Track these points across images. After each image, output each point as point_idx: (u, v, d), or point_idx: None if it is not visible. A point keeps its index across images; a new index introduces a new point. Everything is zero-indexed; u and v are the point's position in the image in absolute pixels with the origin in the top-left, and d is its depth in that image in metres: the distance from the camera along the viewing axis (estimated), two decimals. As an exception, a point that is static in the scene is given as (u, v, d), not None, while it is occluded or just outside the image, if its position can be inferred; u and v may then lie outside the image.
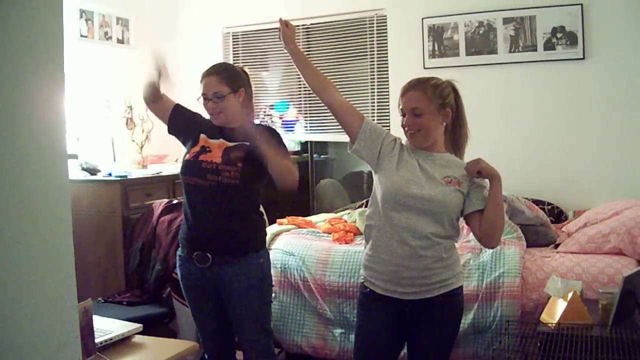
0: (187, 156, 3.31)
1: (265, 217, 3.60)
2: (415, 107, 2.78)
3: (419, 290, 2.75)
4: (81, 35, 5.53)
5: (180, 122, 3.43)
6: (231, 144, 3.27)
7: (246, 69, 3.59)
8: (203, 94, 3.28)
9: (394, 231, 2.77)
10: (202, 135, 3.34)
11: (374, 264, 2.84)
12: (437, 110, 2.81)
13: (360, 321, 2.97)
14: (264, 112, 6.52)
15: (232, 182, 3.18)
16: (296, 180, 3.24)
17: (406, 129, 2.83)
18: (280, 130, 6.33)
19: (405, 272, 2.74)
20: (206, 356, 3.43)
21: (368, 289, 2.86)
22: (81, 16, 5.53)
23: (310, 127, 6.30)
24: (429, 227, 2.74)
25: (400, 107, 2.85)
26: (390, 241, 2.77)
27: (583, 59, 5.03)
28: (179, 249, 3.40)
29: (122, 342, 2.66)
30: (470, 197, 2.82)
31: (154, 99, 3.50)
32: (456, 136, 2.96)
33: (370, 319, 2.90)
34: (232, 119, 3.31)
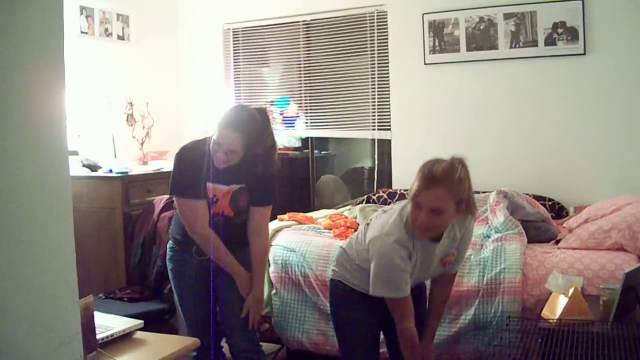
0: None
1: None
2: (438, 207, 2.69)
3: None
4: (81, 32, 5.53)
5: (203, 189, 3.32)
6: (236, 188, 3.32)
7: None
8: (217, 142, 3.16)
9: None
10: (209, 185, 3.28)
11: (352, 278, 3.04)
12: (455, 207, 2.74)
13: (343, 313, 3.10)
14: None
15: (242, 221, 3.39)
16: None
17: (420, 224, 2.73)
18: (280, 127, 6.34)
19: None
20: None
21: (349, 287, 3.04)
22: (81, 13, 5.52)
23: (311, 123, 6.29)
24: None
25: (419, 199, 2.71)
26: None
27: (584, 54, 5.02)
28: (170, 241, 3.48)
29: (123, 338, 2.66)
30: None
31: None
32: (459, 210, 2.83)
33: (354, 310, 3.04)
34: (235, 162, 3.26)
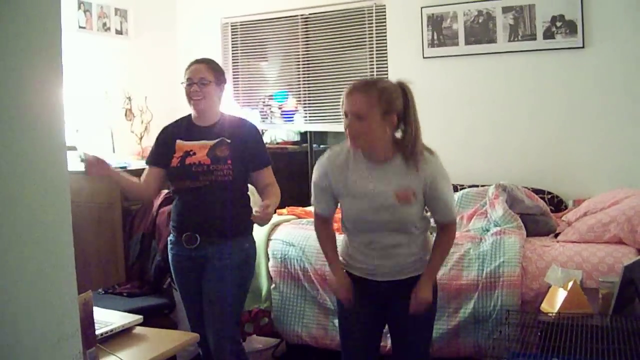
0: (173, 163, 3.40)
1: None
2: (358, 112, 2.70)
3: (390, 275, 2.89)
4: (79, 27, 5.52)
5: (164, 158, 3.48)
6: (213, 142, 3.39)
7: (224, 67, 3.76)
8: (188, 79, 3.41)
9: (361, 244, 2.90)
10: (178, 142, 3.45)
11: (348, 257, 2.98)
12: (381, 116, 2.71)
13: (340, 305, 3.07)
14: (263, 102, 6.51)
15: (225, 179, 3.33)
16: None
17: (347, 132, 2.76)
18: (279, 121, 6.34)
19: (378, 270, 2.89)
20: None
21: (345, 271, 2.99)
22: (79, 7, 5.51)
23: (310, 117, 6.28)
24: (395, 238, 2.84)
25: (344, 109, 2.76)
26: (360, 248, 2.91)
27: (582, 47, 5.01)
28: (170, 234, 3.53)
29: (122, 334, 2.66)
30: (429, 207, 2.91)
31: (140, 193, 3.64)
32: (404, 140, 2.81)
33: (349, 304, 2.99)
34: (211, 110, 3.45)
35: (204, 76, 3.38)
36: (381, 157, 2.81)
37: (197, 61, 3.46)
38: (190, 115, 3.52)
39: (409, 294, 2.85)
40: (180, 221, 3.41)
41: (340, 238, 3.06)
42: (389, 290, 2.89)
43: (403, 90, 2.79)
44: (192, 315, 3.51)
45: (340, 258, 3.03)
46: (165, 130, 3.57)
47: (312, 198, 3.02)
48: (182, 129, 3.50)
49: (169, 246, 3.52)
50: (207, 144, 3.38)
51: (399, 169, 2.79)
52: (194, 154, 3.36)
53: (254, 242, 3.54)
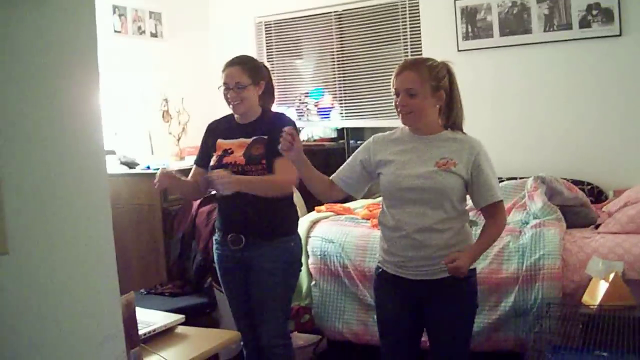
0: (212, 163, 3.43)
1: (300, 204, 3.66)
2: (410, 88, 2.78)
3: (426, 274, 2.81)
4: (115, 31, 5.58)
5: (208, 158, 3.51)
6: (250, 140, 3.38)
7: (267, 64, 3.68)
8: (225, 84, 3.39)
9: (395, 226, 2.85)
10: (219, 141, 3.47)
11: (383, 252, 2.95)
12: (431, 92, 2.80)
13: (377, 301, 3.08)
14: (299, 99, 6.53)
15: (258, 172, 3.32)
16: (281, 191, 3.36)
17: (399, 109, 2.83)
18: (315, 118, 6.35)
19: (409, 263, 2.83)
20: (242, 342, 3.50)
21: (381, 269, 2.97)
22: (114, 12, 5.57)
23: (346, 113, 6.29)
24: (428, 217, 2.78)
25: (395, 87, 2.84)
26: (393, 234, 2.86)
27: (620, 35, 4.94)
28: (216, 233, 3.54)
29: (165, 333, 2.69)
30: (473, 191, 2.85)
31: (194, 194, 3.73)
32: (450, 117, 2.90)
33: (384, 298, 3.01)
34: (251, 110, 3.44)
35: (240, 80, 3.35)
36: (429, 132, 2.87)
37: (232, 63, 3.42)
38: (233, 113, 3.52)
39: (446, 296, 2.81)
40: (224, 222, 3.43)
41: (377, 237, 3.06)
42: (423, 291, 2.83)
43: (448, 70, 2.88)
44: (237, 314, 3.52)
45: (377, 255, 3.04)
46: (209, 129, 3.60)
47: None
48: (224, 126, 3.52)
49: (215, 245, 3.53)
50: (245, 142, 3.38)
51: (444, 143, 2.84)
52: (232, 152, 3.37)
53: (300, 239, 3.54)
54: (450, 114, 2.90)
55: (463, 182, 2.80)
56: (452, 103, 2.89)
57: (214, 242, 3.54)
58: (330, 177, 3.08)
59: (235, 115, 3.49)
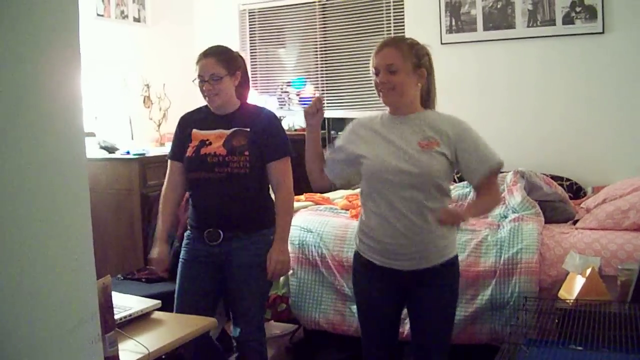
0: (188, 153, 3.30)
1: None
2: (391, 64, 2.74)
3: (415, 263, 2.76)
4: (97, 15, 5.54)
5: (184, 151, 3.39)
6: (229, 132, 3.28)
7: (244, 53, 3.60)
8: (199, 76, 3.27)
9: (379, 212, 2.78)
10: (194, 131, 3.35)
11: (368, 240, 2.86)
12: (412, 69, 2.76)
13: (358, 290, 3.01)
14: (281, 89, 6.51)
15: (242, 172, 3.22)
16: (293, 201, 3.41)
17: (380, 87, 2.79)
18: (297, 107, 6.34)
19: (400, 249, 2.75)
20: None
21: (364, 259, 2.89)
22: (97, -5, 5.54)
23: (328, 103, 6.28)
24: (414, 201, 2.71)
25: (374, 65, 2.80)
26: (382, 221, 2.78)
27: (602, 33, 4.97)
28: (187, 231, 3.44)
29: (141, 318, 2.68)
30: (464, 167, 2.79)
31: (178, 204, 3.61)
32: (428, 101, 2.90)
33: (369, 288, 2.93)
34: (228, 102, 3.33)
35: (215, 72, 3.23)
36: (410, 112, 2.82)
37: (206, 54, 3.28)
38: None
39: (434, 284, 2.78)
40: (201, 217, 3.31)
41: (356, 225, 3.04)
42: (411, 280, 2.79)
43: (427, 52, 2.88)
44: (188, 308, 3.31)
45: (357, 241, 2.96)
46: (183, 120, 3.47)
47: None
48: (199, 117, 3.40)
49: (185, 241, 3.42)
50: (224, 133, 3.27)
51: (425, 122, 2.79)
52: (210, 143, 3.27)
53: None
54: (429, 98, 2.89)
55: (448, 161, 2.73)
56: (431, 86, 2.89)
57: (185, 238, 3.44)
58: (325, 158, 3.07)
59: (211, 107, 3.39)
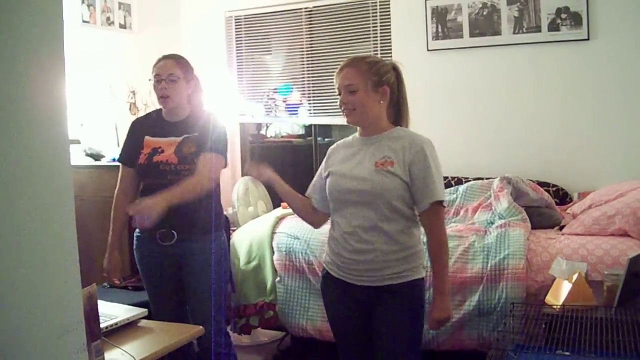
0: (140, 160, 3.36)
1: (266, 200, 3.64)
2: (349, 84, 2.75)
3: (369, 280, 2.75)
4: (83, 21, 5.51)
5: (133, 154, 3.45)
6: (180, 139, 3.34)
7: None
8: (156, 75, 3.37)
9: (339, 228, 2.81)
10: (146, 138, 3.41)
11: (330, 252, 2.89)
12: (372, 87, 2.75)
13: (325, 306, 3.02)
14: (268, 95, 6.51)
15: (188, 175, 3.27)
16: (201, 190, 3.27)
17: (342, 107, 2.81)
18: (283, 114, 6.33)
19: (353, 265, 2.76)
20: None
21: (326, 271, 2.92)
22: (83, 2, 5.50)
23: (314, 110, 6.28)
24: (366, 219, 2.72)
25: (336, 85, 2.81)
26: (338, 237, 2.82)
27: (587, 39, 4.99)
28: (136, 230, 3.47)
29: (127, 327, 2.67)
30: (413, 192, 2.74)
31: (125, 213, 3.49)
32: (399, 116, 2.90)
33: (332, 300, 2.94)
34: (179, 106, 3.40)
35: (173, 72, 3.35)
36: (377, 132, 2.82)
37: (166, 57, 3.43)
38: (160, 109, 3.49)
39: (388, 303, 2.74)
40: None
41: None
42: (368, 297, 2.77)
43: (394, 67, 2.87)
44: (163, 311, 3.40)
45: (324, 259, 2.98)
46: (134, 125, 3.54)
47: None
48: (151, 123, 3.47)
49: (136, 243, 3.47)
50: (175, 140, 3.34)
51: (388, 142, 2.78)
52: (162, 151, 3.33)
53: (224, 235, 3.56)
54: (399, 113, 2.89)
55: (402, 182, 2.70)
56: (401, 101, 2.89)
57: (135, 239, 3.48)
58: (306, 195, 3.07)
59: (163, 112, 3.46)
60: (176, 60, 3.40)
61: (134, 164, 3.40)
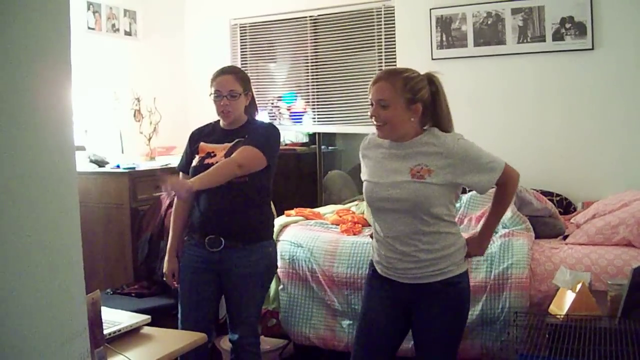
0: (194, 163, 3.42)
1: (273, 209, 3.68)
2: (382, 99, 2.75)
3: (414, 278, 2.79)
4: (88, 28, 5.53)
5: (190, 161, 3.51)
6: (232, 143, 3.38)
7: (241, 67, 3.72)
8: (217, 91, 3.36)
9: (382, 232, 2.85)
10: (202, 144, 3.47)
11: (375, 252, 2.95)
12: (405, 105, 2.75)
13: (364, 297, 3.07)
14: (272, 103, 6.52)
15: (242, 181, 3.29)
16: (231, 168, 3.24)
17: (372, 120, 2.82)
18: (287, 122, 6.34)
19: (399, 264, 2.80)
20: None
21: (373, 269, 2.97)
22: (88, 8, 5.53)
23: (318, 118, 6.29)
24: (406, 226, 2.76)
25: (369, 96, 2.81)
26: (382, 240, 2.86)
27: (592, 49, 5.00)
28: (187, 235, 3.52)
29: (130, 334, 2.66)
30: (475, 184, 2.81)
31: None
32: (438, 122, 2.89)
33: (371, 296, 2.99)
34: (238, 119, 3.45)
35: (234, 88, 3.35)
36: (407, 139, 2.82)
37: (224, 72, 3.41)
38: (219, 121, 3.52)
39: (433, 302, 2.80)
40: (203, 223, 3.39)
41: (366, 241, 3.08)
42: (411, 295, 2.82)
43: (431, 80, 2.88)
44: (190, 316, 3.45)
45: (372, 258, 3.01)
46: (192, 135, 3.58)
47: None
48: (208, 132, 3.52)
49: (187, 246, 3.50)
50: (228, 145, 3.38)
51: (420, 148, 2.79)
52: (214, 155, 3.37)
53: (276, 245, 3.60)
54: (437, 120, 2.88)
55: (441, 187, 2.73)
56: (438, 111, 2.88)
57: (186, 242, 3.51)
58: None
59: (221, 122, 3.49)
60: (236, 75, 3.39)
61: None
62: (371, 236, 3.04)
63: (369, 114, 2.83)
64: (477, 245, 2.94)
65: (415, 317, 2.85)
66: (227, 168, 3.22)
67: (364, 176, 2.95)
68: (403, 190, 2.73)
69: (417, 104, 2.77)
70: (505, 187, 2.89)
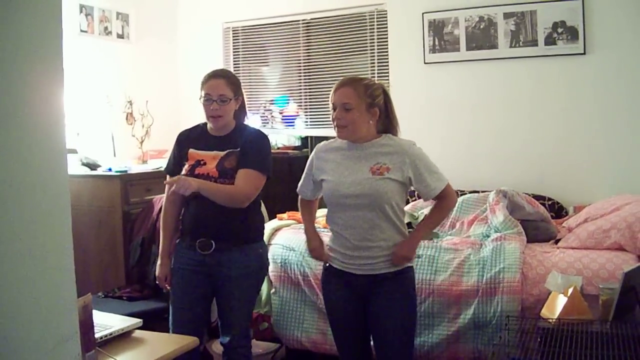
0: (184, 171, 3.39)
1: (265, 211, 3.68)
2: (346, 103, 2.99)
3: (369, 269, 3.03)
4: (81, 31, 5.52)
5: (180, 168, 3.47)
6: (223, 153, 3.36)
7: (233, 70, 3.68)
8: (207, 94, 3.34)
9: (339, 228, 3.08)
10: (191, 150, 3.44)
11: (330, 250, 3.17)
12: (366, 108, 3.02)
13: (324, 296, 3.28)
14: (264, 107, 6.52)
15: (232, 185, 3.30)
16: (232, 202, 3.30)
17: (335, 122, 3.05)
18: (280, 125, 6.33)
19: (354, 260, 3.04)
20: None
21: (328, 264, 3.20)
22: (81, 11, 5.52)
23: (311, 122, 6.29)
24: (367, 221, 3.00)
25: (332, 101, 3.05)
26: (339, 234, 3.09)
27: (584, 54, 5.01)
28: (179, 238, 3.51)
29: (122, 337, 2.66)
30: (420, 190, 3.08)
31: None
32: (390, 126, 3.16)
33: (331, 292, 3.21)
34: (228, 125, 3.44)
35: (224, 93, 3.33)
36: (365, 140, 3.08)
37: (215, 75, 3.38)
38: (206, 122, 3.49)
39: (384, 291, 3.02)
40: (194, 226, 3.39)
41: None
42: (367, 285, 3.04)
43: (384, 90, 3.15)
44: (181, 319, 3.44)
45: (325, 250, 3.23)
46: (180, 138, 3.55)
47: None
48: (196, 137, 3.48)
49: (178, 248, 3.48)
50: (219, 154, 3.36)
51: (378, 149, 3.06)
52: (205, 164, 3.36)
53: (266, 247, 3.62)
54: (389, 124, 3.15)
55: (399, 184, 3.00)
56: (390, 117, 3.15)
57: (177, 245, 3.50)
58: (298, 192, 3.38)
59: (209, 126, 3.46)
60: (227, 80, 3.37)
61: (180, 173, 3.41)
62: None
63: (331, 118, 3.08)
64: (406, 245, 3.06)
65: (372, 304, 3.06)
66: (235, 199, 3.28)
67: (322, 176, 3.15)
68: (364, 186, 2.98)
69: (375, 108, 3.05)
70: (445, 200, 3.12)
